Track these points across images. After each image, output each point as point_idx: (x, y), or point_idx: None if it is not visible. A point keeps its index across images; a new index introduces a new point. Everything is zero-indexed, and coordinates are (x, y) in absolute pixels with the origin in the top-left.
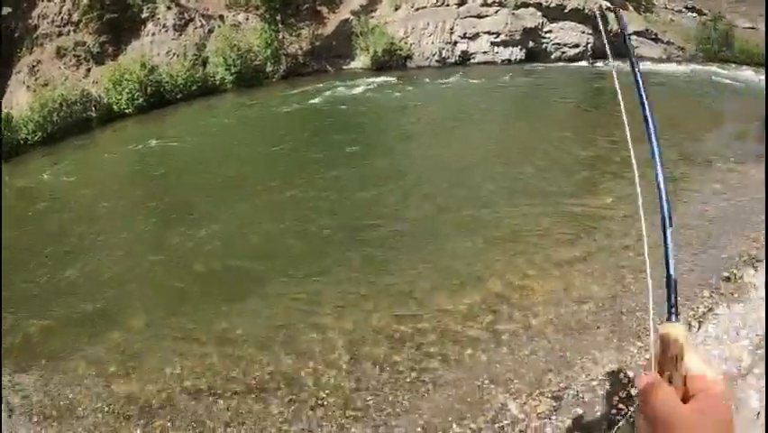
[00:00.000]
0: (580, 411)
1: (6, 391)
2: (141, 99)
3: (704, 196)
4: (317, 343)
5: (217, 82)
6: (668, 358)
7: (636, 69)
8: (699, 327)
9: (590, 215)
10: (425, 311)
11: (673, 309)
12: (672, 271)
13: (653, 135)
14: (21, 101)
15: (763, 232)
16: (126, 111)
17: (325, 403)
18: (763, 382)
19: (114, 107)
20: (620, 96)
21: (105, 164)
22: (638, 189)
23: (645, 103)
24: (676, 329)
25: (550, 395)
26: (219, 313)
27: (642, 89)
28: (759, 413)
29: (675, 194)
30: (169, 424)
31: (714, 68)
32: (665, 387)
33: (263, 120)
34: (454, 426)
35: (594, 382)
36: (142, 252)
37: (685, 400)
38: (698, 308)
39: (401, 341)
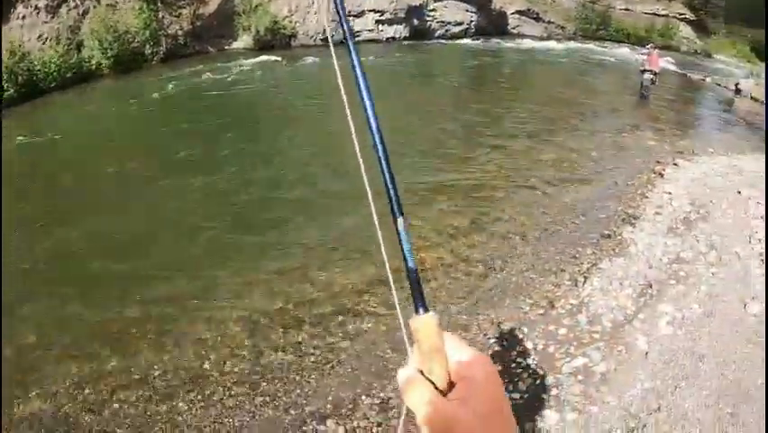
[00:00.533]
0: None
1: None
2: (11, 90)
3: (583, 164)
4: (215, 335)
5: (93, 67)
6: (424, 352)
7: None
8: (585, 282)
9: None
10: (320, 290)
11: (420, 303)
12: (411, 264)
13: (370, 116)
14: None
15: (639, 194)
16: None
17: (233, 393)
18: (648, 326)
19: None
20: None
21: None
22: (365, 180)
23: (360, 78)
24: (426, 321)
25: None
26: (107, 318)
27: (356, 62)
28: (647, 353)
29: (556, 163)
30: None
31: (592, 45)
32: (421, 381)
33: (140, 107)
34: (364, 397)
35: (492, 340)
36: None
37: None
38: (582, 264)
39: (300, 322)
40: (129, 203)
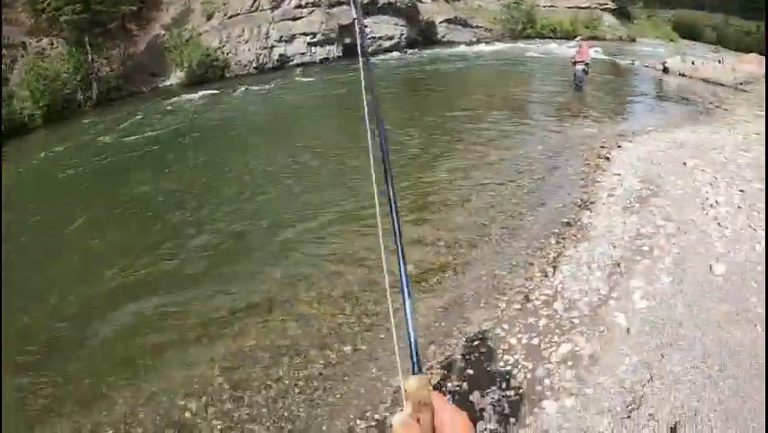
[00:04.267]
0: (471, 372)
1: None
2: None
3: (531, 159)
4: (193, 377)
5: (26, 119)
6: (415, 404)
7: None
8: (555, 271)
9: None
10: (292, 319)
11: (415, 365)
12: (412, 334)
13: (391, 193)
14: None
15: (590, 180)
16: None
17: None
18: (624, 303)
19: (17, 119)
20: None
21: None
22: (384, 264)
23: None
24: (420, 380)
25: (439, 366)
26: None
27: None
28: (628, 329)
29: (504, 162)
30: None
31: (520, 44)
32: (413, 426)
33: (71, 165)
34: (358, 421)
35: (475, 342)
36: None
37: None
38: (549, 254)
39: (278, 354)
40: (68, 259)
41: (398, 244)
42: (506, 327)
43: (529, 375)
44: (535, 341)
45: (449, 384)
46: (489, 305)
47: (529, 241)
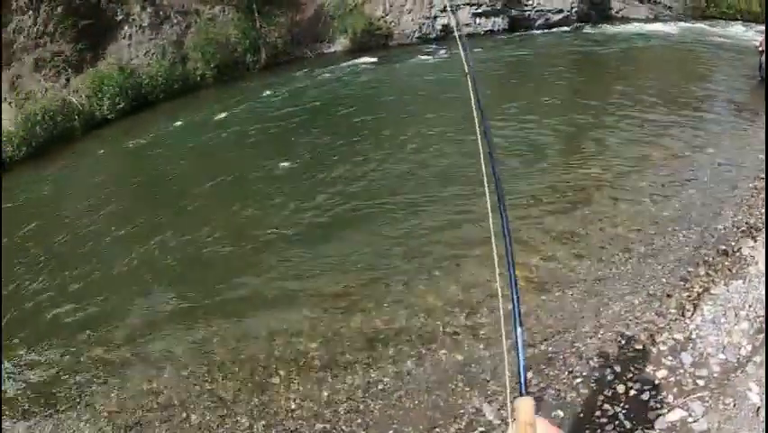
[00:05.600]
0: (561, 414)
1: None
2: (123, 104)
3: (698, 163)
4: (289, 349)
5: (198, 78)
6: (521, 424)
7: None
8: (695, 311)
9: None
10: (402, 306)
11: (523, 387)
12: (522, 361)
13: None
14: (3, 117)
15: (761, 199)
16: (109, 117)
17: (295, 415)
18: (762, 372)
19: (97, 114)
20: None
21: (89, 173)
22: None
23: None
24: (526, 402)
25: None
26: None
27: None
28: (759, 408)
29: (667, 163)
30: None
31: (701, 25)
32: None
33: (248, 113)
34: None
35: (578, 380)
36: (131, 258)
37: None
38: (693, 288)
39: (376, 343)
40: (242, 206)
41: (511, 274)
42: (618, 369)
43: None
44: (646, 396)
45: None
46: (607, 339)
47: (674, 267)
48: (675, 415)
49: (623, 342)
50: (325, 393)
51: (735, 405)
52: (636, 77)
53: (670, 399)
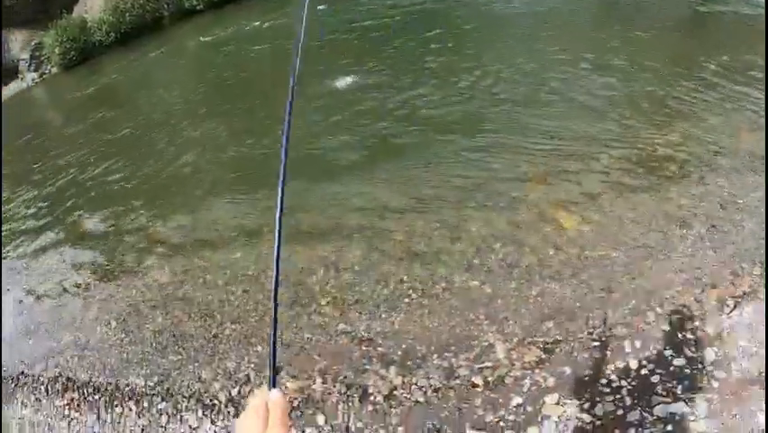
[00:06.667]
0: (567, 371)
1: None
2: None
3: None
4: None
5: None
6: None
7: None
8: (734, 309)
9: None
10: (449, 233)
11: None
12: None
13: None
14: (94, 4)
15: None
16: (198, 7)
17: (322, 311)
18: None
19: (186, 4)
20: None
21: (177, 62)
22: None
23: None
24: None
25: (542, 345)
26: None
27: None
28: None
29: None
30: None
31: None
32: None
33: (343, 14)
34: (434, 357)
35: (594, 342)
36: (196, 153)
37: None
38: (740, 285)
39: (414, 259)
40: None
41: None
42: (637, 343)
43: (620, 413)
44: (655, 379)
45: (536, 369)
46: (636, 309)
47: (729, 258)
48: (678, 407)
49: (651, 318)
50: (352, 296)
51: (740, 418)
52: None
53: (678, 389)
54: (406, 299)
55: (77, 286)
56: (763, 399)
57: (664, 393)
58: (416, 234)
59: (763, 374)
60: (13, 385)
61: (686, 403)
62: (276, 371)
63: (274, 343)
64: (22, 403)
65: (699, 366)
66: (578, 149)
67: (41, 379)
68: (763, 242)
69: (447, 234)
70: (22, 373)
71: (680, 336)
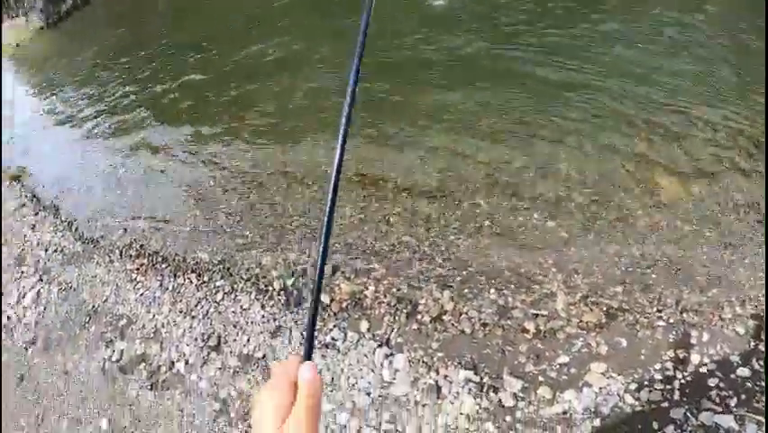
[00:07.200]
0: (623, 343)
1: None
2: None
3: None
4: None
5: None
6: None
7: None
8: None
9: None
10: (536, 168)
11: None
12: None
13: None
14: None
15: None
16: None
17: (390, 220)
18: None
19: None
20: None
21: None
22: None
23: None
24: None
25: (605, 309)
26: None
27: None
28: None
29: None
30: None
31: None
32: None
33: None
34: (492, 291)
35: (660, 322)
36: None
37: None
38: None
39: (495, 184)
40: None
41: None
42: (705, 337)
43: (665, 406)
44: (712, 382)
45: (592, 333)
46: (715, 301)
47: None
48: (725, 420)
49: (729, 314)
50: (422, 210)
51: None
52: None
53: (733, 402)
54: (477, 226)
55: (164, 164)
56: None
57: (717, 401)
58: (501, 161)
59: None
60: (92, 246)
61: (735, 419)
62: (312, 341)
63: (316, 307)
64: (96, 263)
65: (763, 384)
66: (699, 115)
67: (118, 244)
68: None
69: (534, 168)
70: (102, 236)
71: (752, 344)
